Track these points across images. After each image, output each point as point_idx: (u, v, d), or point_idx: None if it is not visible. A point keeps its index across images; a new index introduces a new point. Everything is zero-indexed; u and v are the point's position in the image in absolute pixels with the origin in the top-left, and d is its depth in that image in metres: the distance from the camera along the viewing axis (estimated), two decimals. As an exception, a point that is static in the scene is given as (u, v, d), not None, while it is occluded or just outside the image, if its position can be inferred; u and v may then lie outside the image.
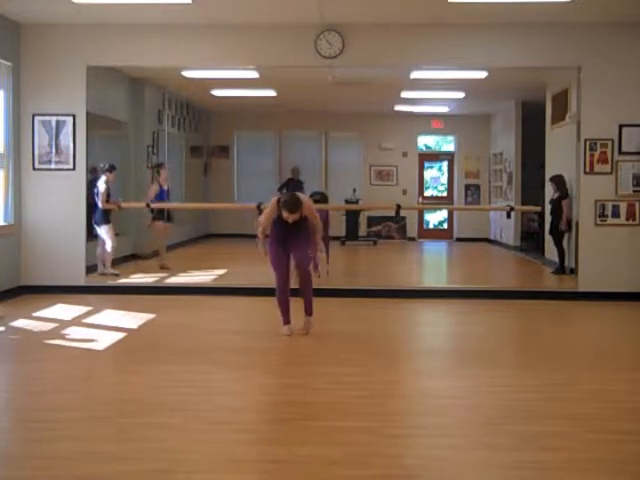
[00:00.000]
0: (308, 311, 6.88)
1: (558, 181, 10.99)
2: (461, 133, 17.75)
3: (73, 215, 9.13)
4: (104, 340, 6.52)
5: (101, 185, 9.92)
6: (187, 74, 11.24)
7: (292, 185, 15.90)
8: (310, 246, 6.91)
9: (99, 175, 10.08)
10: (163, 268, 10.85)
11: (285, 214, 6.55)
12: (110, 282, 9.64)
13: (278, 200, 6.66)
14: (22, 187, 9.06)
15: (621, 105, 8.93)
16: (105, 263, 9.94)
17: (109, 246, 9.90)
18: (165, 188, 11.15)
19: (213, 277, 10.54)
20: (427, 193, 18.34)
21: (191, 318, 7.86)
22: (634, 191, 8.99)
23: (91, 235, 9.83)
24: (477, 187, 17.79)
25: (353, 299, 8.81)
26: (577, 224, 9.57)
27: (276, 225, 6.74)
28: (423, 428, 4.41)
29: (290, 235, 6.73)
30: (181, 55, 9.17)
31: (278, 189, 15.68)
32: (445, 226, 18.39)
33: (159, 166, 11.57)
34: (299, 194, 6.79)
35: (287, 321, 6.86)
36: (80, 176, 9.10)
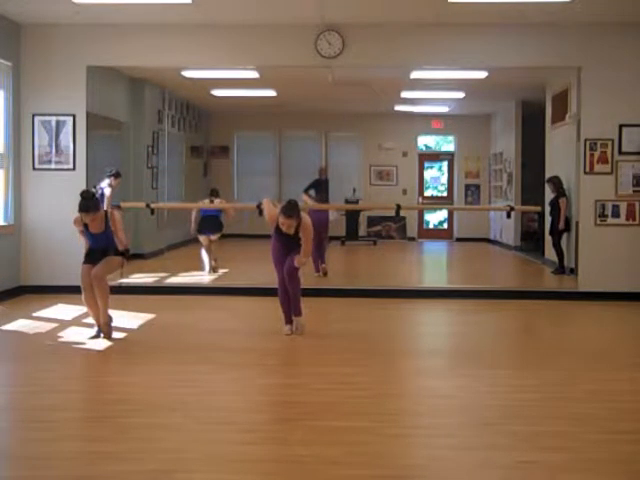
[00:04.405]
0: (295, 311, 6.86)
1: (555, 182, 11.04)
2: (461, 133, 17.75)
3: (73, 215, 9.08)
4: (104, 340, 6.52)
5: (106, 189, 9.93)
6: (187, 74, 11.23)
7: (321, 185, 15.79)
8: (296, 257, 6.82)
9: (103, 177, 10.08)
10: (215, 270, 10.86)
11: (281, 219, 6.51)
12: (109, 282, 9.61)
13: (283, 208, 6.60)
14: (22, 187, 9.06)
15: (621, 105, 8.93)
16: None
17: None
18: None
19: (213, 277, 10.54)
20: (427, 193, 18.34)
21: (191, 318, 7.86)
22: (634, 191, 8.99)
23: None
24: (477, 187, 17.79)
25: (353, 299, 8.81)
26: (577, 224, 9.58)
27: (275, 234, 6.75)
28: (423, 428, 4.41)
29: (285, 247, 6.74)
30: (181, 55, 9.17)
31: (304, 190, 15.57)
32: (445, 226, 18.39)
33: None
34: (303, 214, 6.71)
35: (288, 321, 6.86)
36: (80, 176, 9.09)
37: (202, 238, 10.87)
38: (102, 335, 6.62)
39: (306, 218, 6.70)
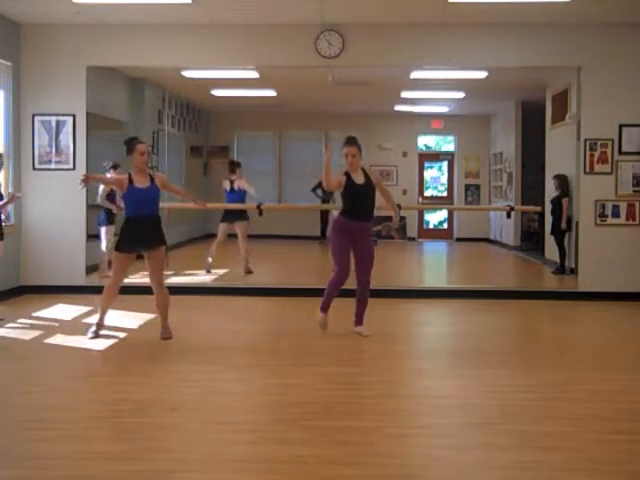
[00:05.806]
0: (360, 321, 6.87)
1: (561, 179, 11.00)
2: (461, 133, 17.76)
3: (73, 215, 9.13)
4: (104, 340, 6.52)
5: None
6: (187, 74, 11.24)
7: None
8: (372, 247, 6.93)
9: (103, 172, 10.04)
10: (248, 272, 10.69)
11: (345, 150, 6.71)
12: (104, 279, 9.61)
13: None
14: (22, 187, 9.06)
15: (621, 105, 8.94)
16: (102, 264, 9.90)
17: (104, 246, 9.87)
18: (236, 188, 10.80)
19: (213, 277, 10.53)
20: (427, 193, 18.35)
21: (191, 318, 7.86)
22: (634, 191, 9.00)
23: (92, 235, 9.82)
24: (477, 187, 17.80)
25: (353, 299, 8.79)
26: (577, 224, 9.58)
27: (348, 196, 6.76)
28: (423, 428, 4.41)
29: (362, 209, 6.76)
30: (181, 55, 9.17)
31: (312, 189, 15.48)
32: (445, 226, 18.40)
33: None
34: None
35: (326, 309, 6.86)
36: (80, 176, 9.07)
37: (222, 228, 10.60)
38: (165, 335, 6.64)
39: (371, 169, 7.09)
